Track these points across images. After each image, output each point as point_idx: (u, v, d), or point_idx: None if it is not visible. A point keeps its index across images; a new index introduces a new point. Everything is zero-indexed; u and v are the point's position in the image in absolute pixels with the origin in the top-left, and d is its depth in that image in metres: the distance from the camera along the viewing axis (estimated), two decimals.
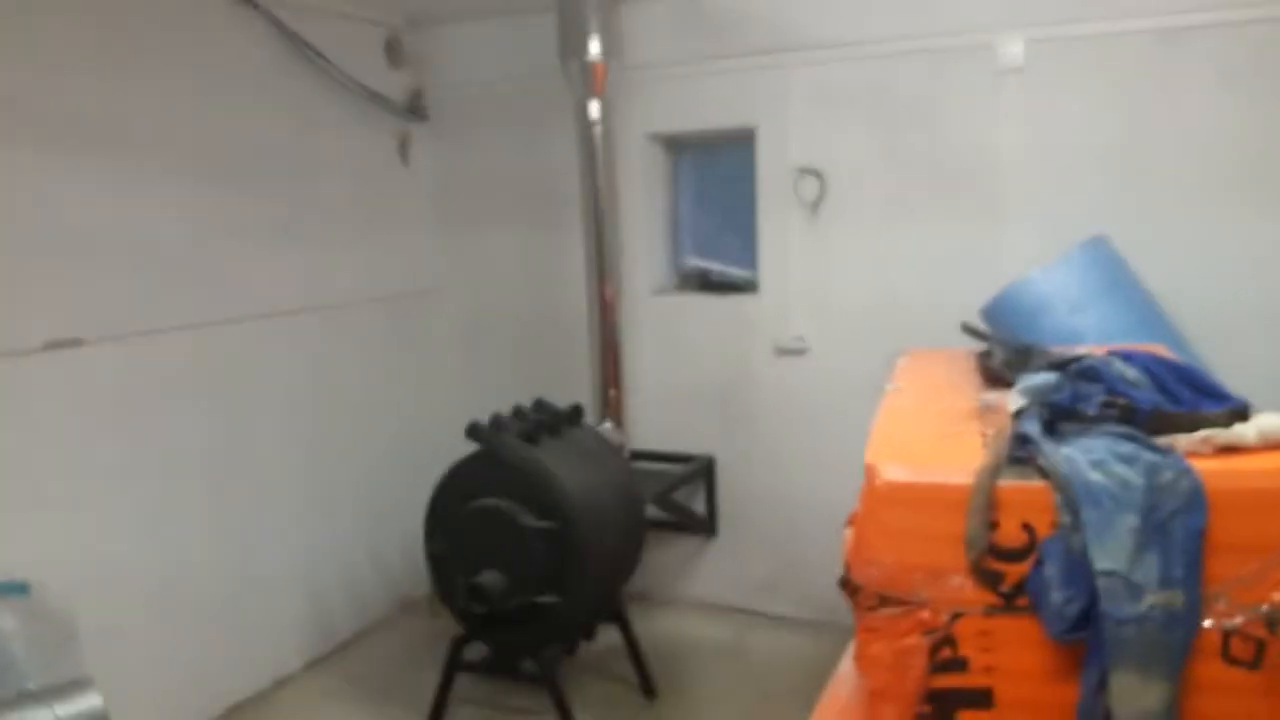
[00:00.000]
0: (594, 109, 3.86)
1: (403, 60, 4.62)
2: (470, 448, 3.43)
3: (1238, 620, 1.68)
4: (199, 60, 3.61)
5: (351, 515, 4.35)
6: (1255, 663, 1.67)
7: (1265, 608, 1.67)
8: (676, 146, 4.55)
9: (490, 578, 3.25)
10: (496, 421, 3.49)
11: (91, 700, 2.58)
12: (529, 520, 3.25)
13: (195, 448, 3.61)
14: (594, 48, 3.77)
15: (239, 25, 3.77)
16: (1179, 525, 1.69)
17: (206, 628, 3.65)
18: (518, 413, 3.60)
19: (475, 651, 3.54)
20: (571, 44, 3.80)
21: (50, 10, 3.10)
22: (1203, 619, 1.68)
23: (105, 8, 3.27)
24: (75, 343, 3.19)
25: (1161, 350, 2.45)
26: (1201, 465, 1.73)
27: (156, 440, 3.46)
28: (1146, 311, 3.24)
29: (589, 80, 3.82)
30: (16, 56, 3.02)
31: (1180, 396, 2.00)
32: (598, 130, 3.89)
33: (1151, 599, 1.66)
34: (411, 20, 4.62)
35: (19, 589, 2.76)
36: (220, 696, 3.72)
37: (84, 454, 3.23)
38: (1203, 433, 1.80)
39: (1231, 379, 2.15)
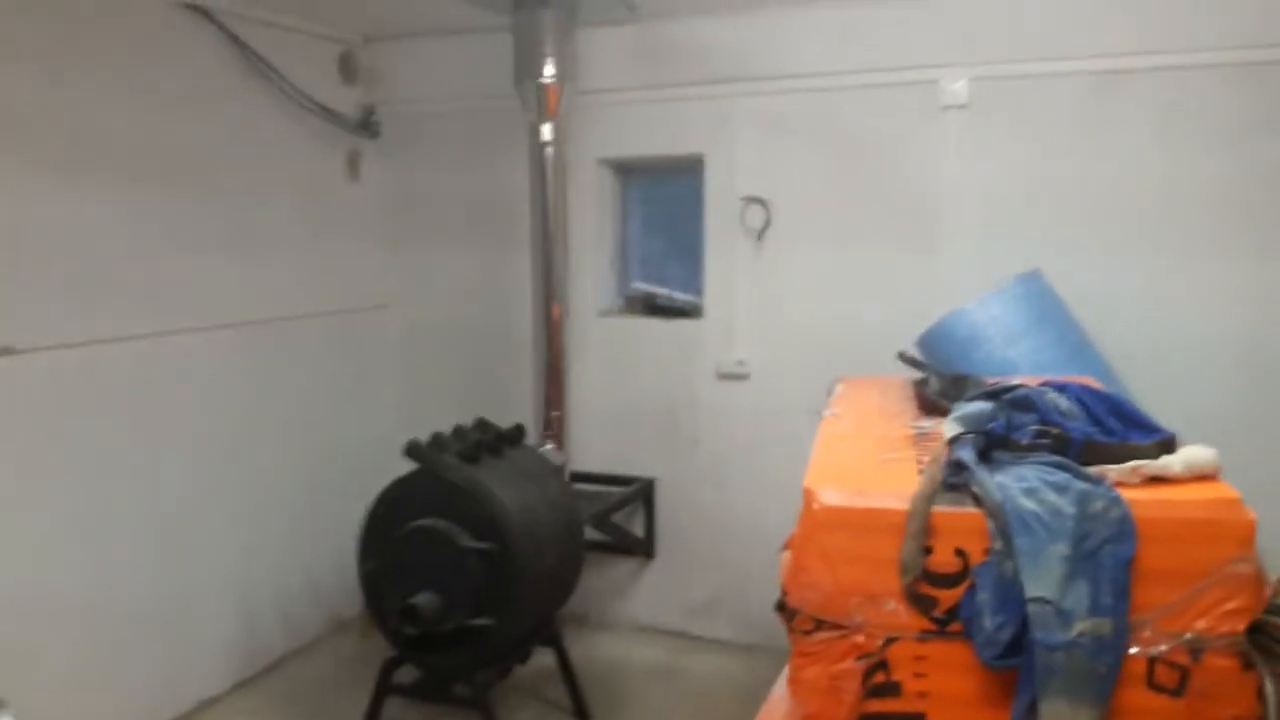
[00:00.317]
0: (546, 131, 3.87)
1: (356, 76, 4.59)
2: (410, 466, 3.38)
3: (1162, 647, 1.71)
4: (148, 66, 3.55)
5: (286, 532, 4.25)
6: (1179, 689, 1.71)
7: (1189, 635, 1.71)
8: (626, 171, 4.58)
9: (425, 599, 3.19)
10: (437, 440, 3.44)
11: None
12: (466, 540, 3.21)
13: (127, 461, 3.51)
14: (548, 70, 3.78)
15: (191, 34, 3.72)
16: (1108, 554, 1.72)
17: (132, 647, 3.54)
18: (458, 432, 3.57)
19: (407, 674, 3.47)
20: (526, 66, 3.81)
21: None
22: (1129, 646, 1.72)
23: (51, 9, 3.20)
24: (6, 351, 3.09)
25: (1093, 382, 2.51)
26: (1131, 495, 1.77)
27: (87, 453, 3.37)
28: (1078, 344, 3.32)
29: (542, 102, 3.83)
30: None
31: (1111, 427, 2.05)
32: (549, 152, 3.89)
33: (1081, 626, 1.69)
34: (367, 36, 4.59)
35: None
36: (144, 717, 3.59)
37: (9, 465, 3.12)
38: (1132, 463, 1.85)
39: (1158, 412, 2.21)
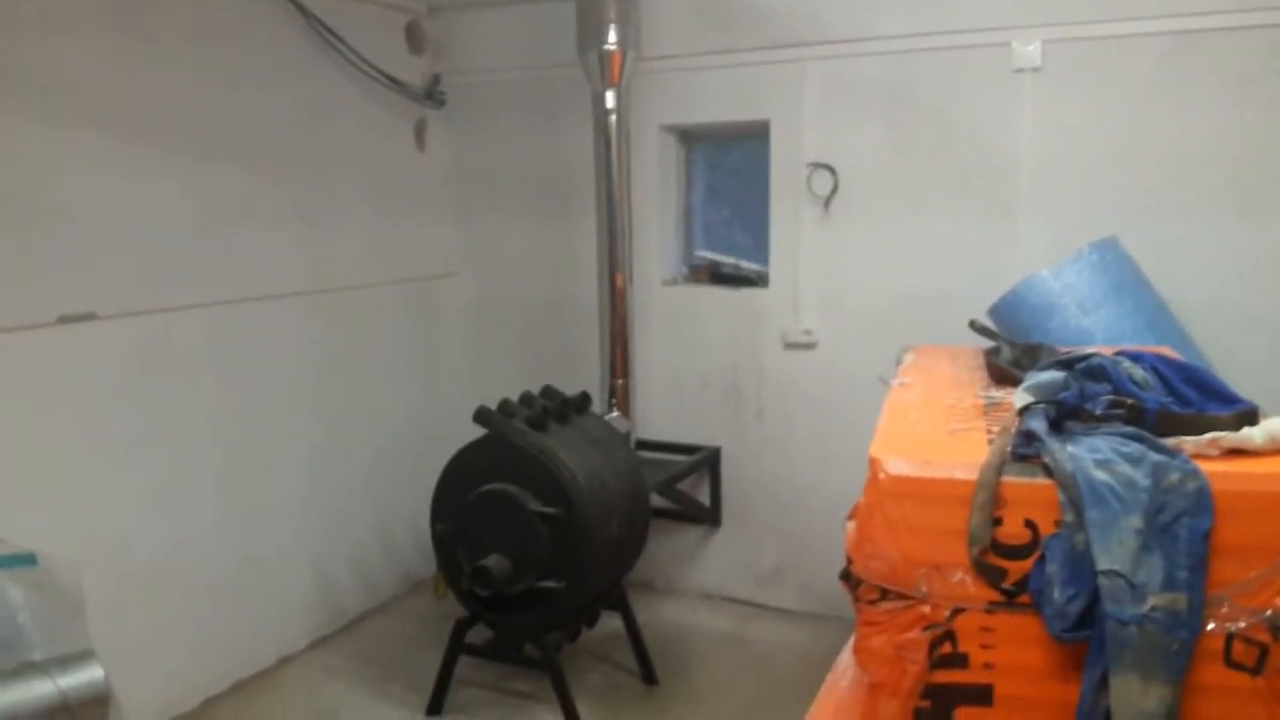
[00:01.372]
0: (610, 99, 3.87)
1: (423, 46, 4.63)
2: (479, 432, 3.45)
3: (1241, 624, 1.67)
4: (219, 41, 3.62)
5: (360, 496, 4.38)
6: (1258, 668, 1.67)
7: (1269, 612, 1.66)
8: (690, 138, 4.55)
9: (495, 561, 3.27)
10: (505, 407, 3.50)
11: (94, 673, 2.60)
12: (534, 505, 3.27)
13: (205, 425, 3.64)
14: (612, 38, 3.78)
15: (260, 6, 3.77)
16: (1184, 527, 1.69)
17: (213, 604, 3.68)
18: (526, 399, 3.62)
19: (478, 634, 3.56)
20: (590, 34, 3.81)
21: None
22: (1206, 622, 1.68)
23: None
24: (88, 317, 3.20)
25: (1170, 352, 2.45)
26: (1208, 467, 1.72)
27: (167, 416, 3.49)
28: (1156, 313, 3.23)
29: (606, 70, 3.82)
30: (34, 35, 3.03)
31: (1188, 398, 2.00)
32: (613, 120, 3.89)
33: (1154, 600, 1.66)
34: (432, 6, 4.62)
35: (27, 560, 2.77)
36: (225, 673, 3.75)
37: (95, 428, 3.25)
38: (1210, 435, 1.80)
39: (1239, 383, 2.15)
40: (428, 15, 4.64)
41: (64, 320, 3.13)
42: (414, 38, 4.58)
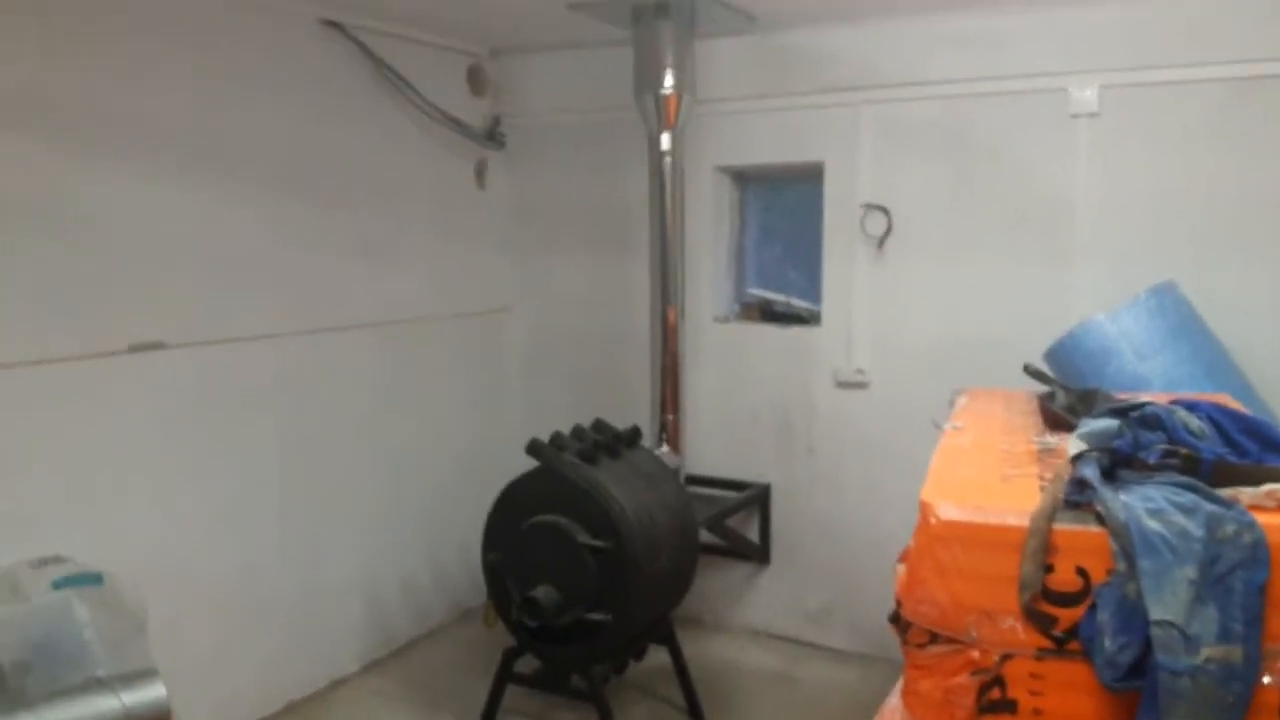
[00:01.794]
0: (665, 141, 3.94)
1: (484, 89, 4.76)
2: (531, 463, 3.51)
3: None
4: (288, 80, 3.75)
5: (414, 524, 4.46)
6: None
7: None
8: (744, 179, 4.61)
9: (544, 592, 3.31)
10: (556, 440, 3.56)
11: (157, 690, 2.67)
12: (583, 538, 3.31)
13: (268, 452, 3.74)
14: (668, 82, 3.85)
15: (329, 48, 3.91)
16: (1240, 579, 1.68)
17: (269, 627, 3.76)
18: (577, 432, 3.67)
19: (527, 664, 3.60)
20: (646, 78, 3.89)
21: (148, 29, 3.24)
22: (1261, 675, 1.67)
23: (200, 27, 3.41)
24: (158, 346, 3.32)
25: (1227, 400, 2.43)
26: (1265, 519, 1.71)
27: (231, 443, 3.59)
28: (1215, 359, 3.19)
29: (662, 113, 3.90)
30: (112, 71, 3.15)
31: (1245, 448, 1.99)
32: (668, 161, 3.96)
33: (1208, 652, 1.65)
34: (494, 50, 4.76)
35: (94, 579, 2.86)
36: (278, 694, 3.82)
37: (162, 453, 3.35)
38: (1268, 486, 1.79)
39: None
40: (489, 59, 4.77)
41: (134, 349, 3.24)
42: (476, 81, 4.72)
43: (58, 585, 2.75)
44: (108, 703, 2.61)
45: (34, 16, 2.93)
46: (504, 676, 3.59)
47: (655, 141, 3.96)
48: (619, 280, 4.66)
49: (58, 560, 2.85)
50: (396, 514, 4.35)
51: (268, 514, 3.75)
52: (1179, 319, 3.24)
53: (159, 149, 3.31)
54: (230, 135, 3.54)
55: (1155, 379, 3.04)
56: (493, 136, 4.78)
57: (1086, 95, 3.65)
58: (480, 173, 4.77)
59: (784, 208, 4.60)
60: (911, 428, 3.72)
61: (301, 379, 3.87)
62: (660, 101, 3.89)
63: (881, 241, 4.08)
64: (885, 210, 4.06)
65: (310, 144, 3.86)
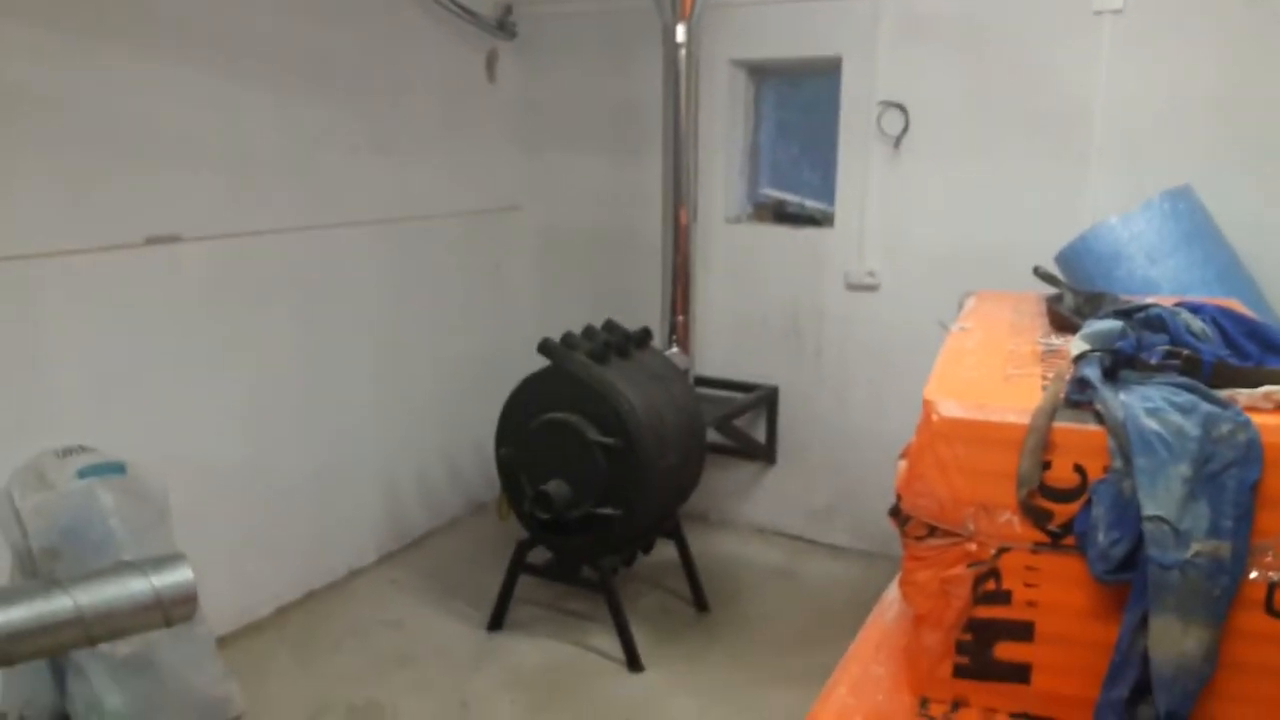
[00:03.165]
0: (680, 33, 3.86)
1: None
2: (543, 362, 3.55)
3: None
4: None
5: (428, 420, 4.53)
6: None
7: None
8: (760, 74, 4.53)
9: (555, 486, 3.39)
10: (568, 339, 3.59)
11: (184, 573, 2.76)
12: (594, 435, 3.37)
13: (283, 345, 3.78)
14: None
15: None
16: (1232, 477, 1.71)
17: (288, 517, 3.86)
18: (588, 332, 3.70)
19: (538, 556, 3.71)
20: None
21: None
22: (1249, 570, 1.71)
23: None
24: (173, 239, 3.34)
25: (1234, 304, 2.43)
26: (1261, 420, 1.73)
27: (247, 336, 3.63)
28: (1226, 266, 3.18)
29: (677, 3, 3.81)
30: None
31: (1247, 351, 2.00)
32: (683, 54, 3.88)
33: (1198, 547, 1.69)
34: None
35: (117, 468, 2.94)
36: (298, 583, 3.95)
37: (179, 345, 3.39)
38: (1266, 388, 1.80)
39: None
40: None
41: (151, 241, 3.27)
42: None
43: (83, 474, 2.84)
44: (138, 584, 2.71)
45: None
46: (517, 567, 3.71)
47: (670, 33, 3.88)
48: (630, 179, 4.62)
49: (82, 450, 2.93)
50: (411, 409, 4.42)
51: (284, 406, 3.82)
52: (1193, 224, 3.21)
53: (172, 42, 3.27)
54: (242, 29, 3.50)
55: (1165, 283, 3.04)
56: (504, 26, 4.68)
57: None
58: (491, 64, 4.69)
59: (800, 105, 4.52)
60: (920, 330, 3.73)
61: (315, 274, 3.89)
62: None
63: (898, 141, 4.03)
64: (902, 108, 3.99)
65: (321, 37, 3.80)
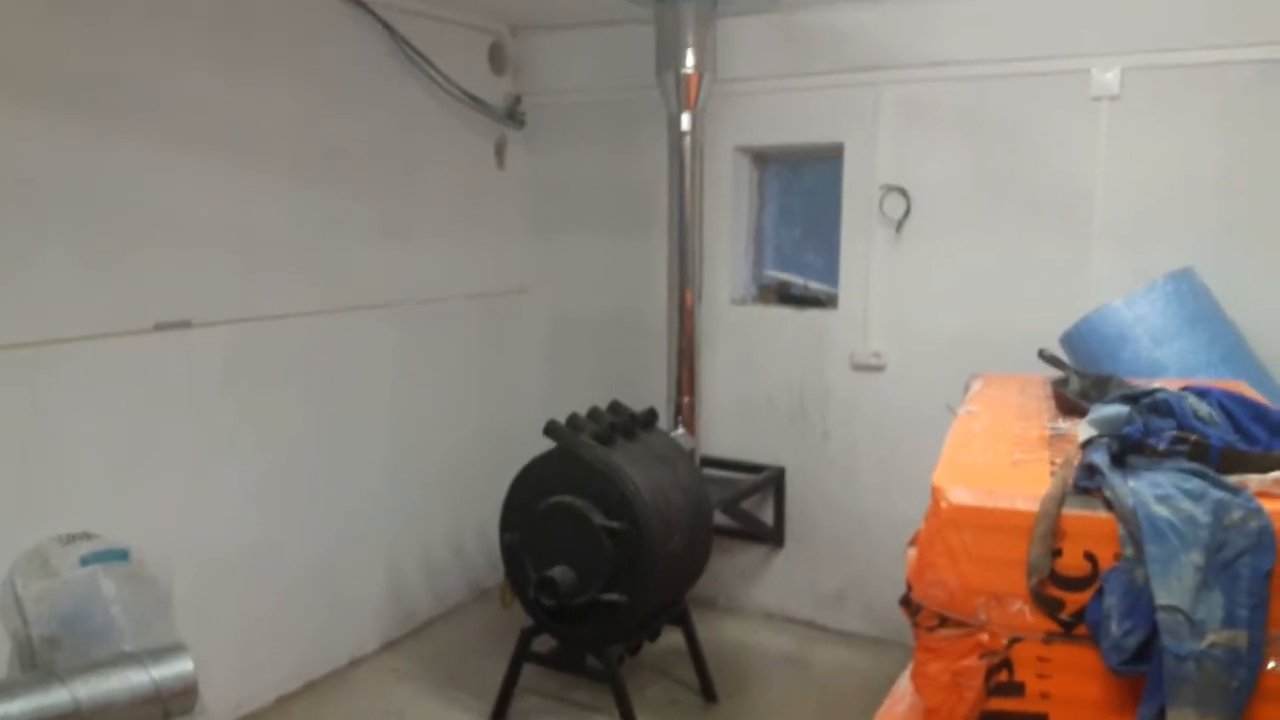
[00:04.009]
0: (685, 121, 3.94)
1: (505, 67, 4.77)
2: (549, 444, 3.54)
3: None
4: (310, 59, 3.77)
5: (434, 503, 4.51)
6: None
7: None
8: (763, 159, 4.61)
9: (560, 572, 3.35)
10: (573, 421, 3.59)
11: (185, 664, 2.73)
12: (599, 518, 3.35)
13: (291, 429, 3.79)
14: (689, 61, 3.85)
15: (350, 26, 3.93)
16: (1246, 565, 1.69)
17: (291, 604, 3.82)
18: (594, 414, 3.70)
19: (543, 644, 3.64)
20: (667, 57, 3.89)
21: (173, 8, 3.27)
22: (1267, 661, 1.68)
23: (225, 5, 3.44)
24: (184, 325, 3.37)
25: (1241, 388, 2.43)
26: (1272, 506, 1.72)
27: (255, 421, 3.64)
28: (1232, 347, 3.18)
29: (682, 92, 3.90)
30: (137, 49, 3.18)
31: (1255, 436, 1.99)
32: (688, 141, 3.96)
33: (1214, 637, 1.67)
34: (515, 27, 4.77)
35: (120, 555, 2.92)
36: (300, 671, 3.88)
37: (188, 430, 3.40)
38: (1275, 474, 1.80)
39: None
40: (510, 36, 4.78)
41: (160, 327, 3.29)
42: (496, 59, 4.73)
43: (86, 561, 2.81)
44: (137, 676, 2.67)
45: None
46: (521, 656, 3.64)
47: (675, 121, 3.96)
48: (637, 261, 4.67)
49: (86, 536, 2.91)
50: (418, 493, 4.40)
51: (292, 490, 3.80)
52: (1196, 306, 3.22)
53: (185, 128, 3.34)
54: (255, 114, 3.57)
55: (1171, 365, 3.04)
56: (513, 115, 4.79)
57: (1108, 77, 3.62)
58: (500, 151, 4.79)
59: (803, 189, 4.60)
60: (927, 410, 3.72)
61: (324, 358, 3.91)
62: (681, 81, 3.89)
63: (900, 224, 4.07)
64: (904, 192, 4.05)
65: (333, 124, 3.89)
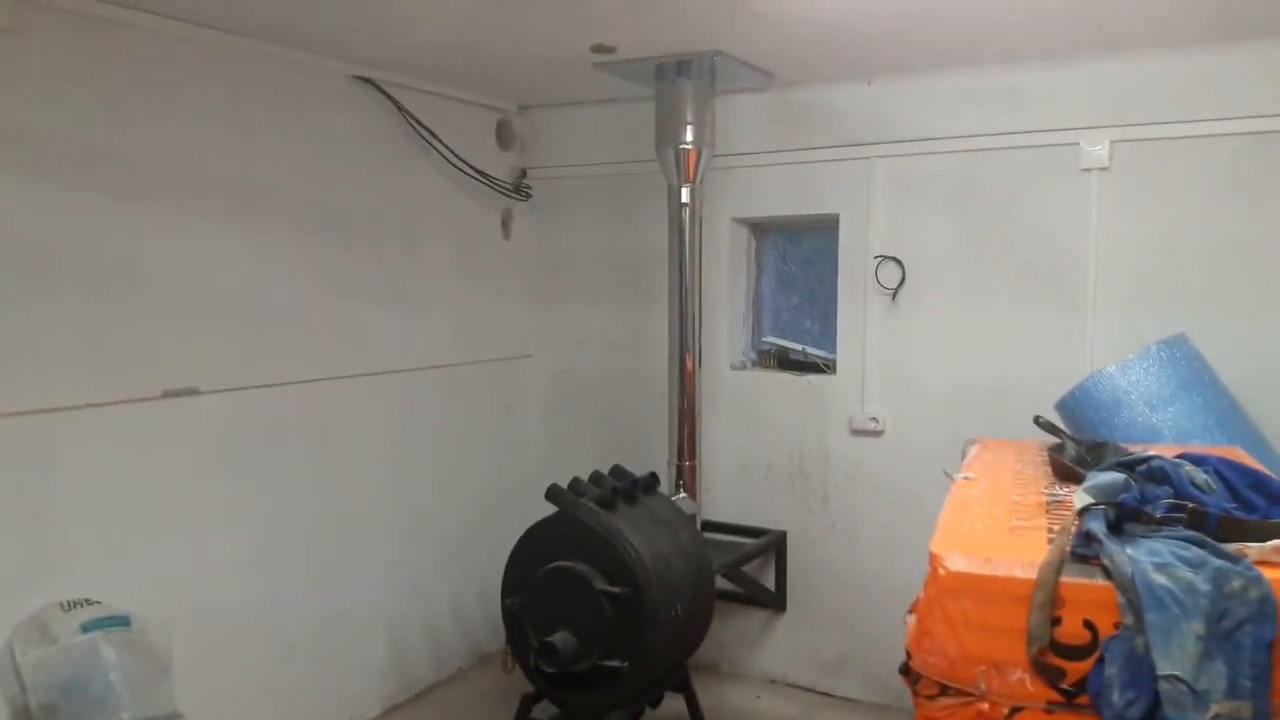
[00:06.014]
0: (685, 194, 4.03)
1: (511, 142, 4.89)
2: (551, 509, 3.55)
3: None
4: (321, 133, 3.86)
5: (436, 568, 4.50)
6: None
7: None
8: (761, 230, 4.69)
9: (561, 638, 3.33)
10: (575, 486, 3.60)
11: None
12: (601, 583, 3.34)
13: (295, 495, 3.80)
14: (688, 137, 3.95)
15: (361, 103, 4.03)
16: (1248, 634, 1.69)
17: (293, 669, 3.79)
18: (596, 478, 3.71)
19: (544, 711, 3.61)
20: (668, 133, 3.99)
21: (187, 82, 3.36)
22: None
23: (238, 81, 3.53)
24: (191, 392, 3.41)
25: (1238, 454, 2.45)
26: (1273, 575, 1.73)
27: (259, 487, 3.65)
28: (1226, 412, 3.21)
29: (682, 167, 4.00)
30: (152, 123, 3.25)
31: (1252, 503, 2.01)
32: (687, 213, 4.04)
33: (1217, 708, 1.66)
34: (521, 105, 4.90)
35: (122, 621, 2.92)
36: None
37: (193, 497, 3.41)
38: (1275, 541, 1.81)
39: None
40: (517, 114, 4.90)
41: (168, 395, 3.33)
42: (503, 135, 4.84)
43: (86, 628, 2.82)
44: None
45: (75, 68, 3.05)
46: None
47: (675, 194, 4.05)
48: (638, 328, 4.73)
49: (87, 603, 2.92)
50: (419, 558, 4.40)
51: (293, 557, 3.80)
52: (1190, 371, 3.26)
53: (194, 199, 3.41)
54: (264, 186, 3.64)
55: (1167, 430, 3.06)
56: (519, 189, 4.89)
57: (1098, 150, 3.71)
58: (506, 223, 4.88)
59: (800, 258, 4.67)
60: (926, 474, 3.74)
61: (329, 424, 3.93)
62: (681, 156, 3.99)
63: (895, 292, 4.14)
64: (899, 261, 4.12)
65: (341, 195, 3.96)
